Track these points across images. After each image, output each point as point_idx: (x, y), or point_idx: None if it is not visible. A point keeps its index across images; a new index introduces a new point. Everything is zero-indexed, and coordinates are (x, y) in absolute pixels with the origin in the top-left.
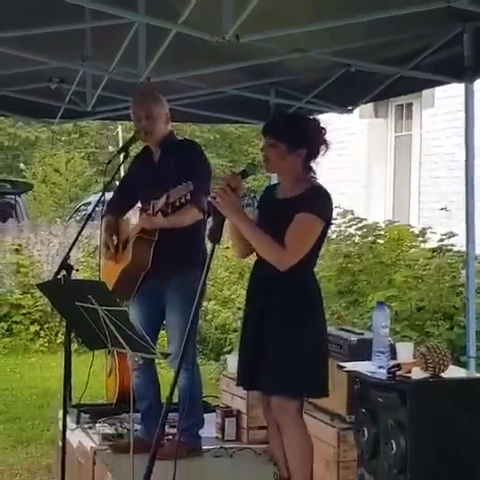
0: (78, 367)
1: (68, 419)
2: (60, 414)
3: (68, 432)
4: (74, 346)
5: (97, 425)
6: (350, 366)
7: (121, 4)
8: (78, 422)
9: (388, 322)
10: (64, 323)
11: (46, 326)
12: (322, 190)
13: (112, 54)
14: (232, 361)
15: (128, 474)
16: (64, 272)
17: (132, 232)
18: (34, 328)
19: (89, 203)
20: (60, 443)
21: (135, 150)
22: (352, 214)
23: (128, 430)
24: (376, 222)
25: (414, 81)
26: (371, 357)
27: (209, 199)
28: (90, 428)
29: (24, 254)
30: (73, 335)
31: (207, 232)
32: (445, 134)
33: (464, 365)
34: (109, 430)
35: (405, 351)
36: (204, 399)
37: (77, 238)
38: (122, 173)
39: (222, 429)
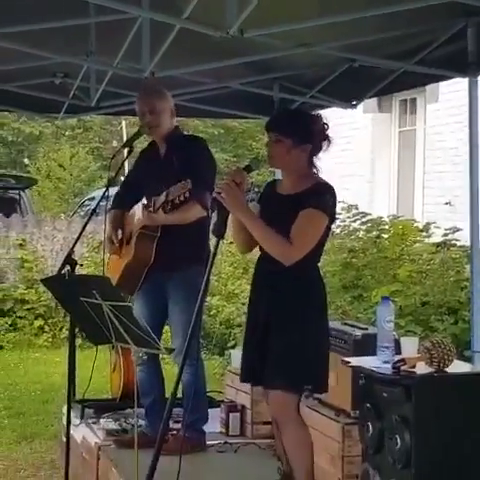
0: (82, 362)
1: (72, 414)
2: (64, 409)
3: (72, 427)
4: (78, 341)
5: (101, 420)
6: (355, 361)
7: None
8: (82, 417)
9: (392, 317)
10: (68, 318)
11: (50, 321)
12: (326, 186)
13: (116, 49)
14: (236, 356)
15: (132, 469)
16: (68, 267)
17: (135, 227)
18: (38, 323)
19: (93, 198)
20: (64, 438)
21: (139, 145)
22: (356, 209)
23: (132, 425)
24: (380, 217)
25: (418, 76)
26: (376, 352)
27: (214, 194)
28: (94, 423)
29: (28, 249)
30: (77, 330)
31: (211, 227)
32: (449, 129)
33: (469, 360)
34: (113, 425)
35: (410, 346)
36: (208, 394)
37: (81, 233)
38: (126, 168)
39: (226, 424)
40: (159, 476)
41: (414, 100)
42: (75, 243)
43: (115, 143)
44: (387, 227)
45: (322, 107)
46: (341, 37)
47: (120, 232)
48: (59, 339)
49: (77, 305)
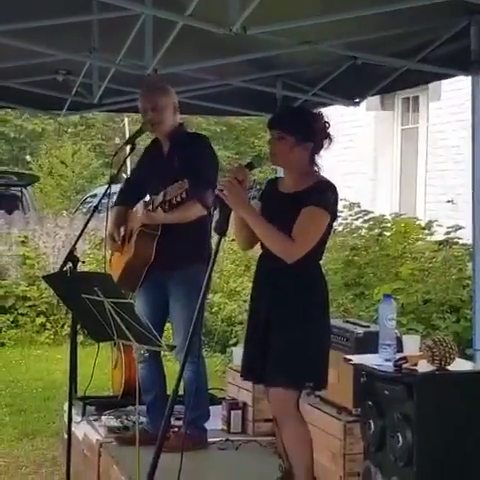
0: (84, 359)
1: (74, 411)
2: (66, 406)
3: (74, 424)
4: (80, 338)
5: (103, 417)
6: (356, 359)
7: None
8: (84, 414)
9: (394, 315)
10: (70, 315)
11: (52, 318)
12: (328, 184)
13: (119, 46)
14: (238, 354)
15: (134, 466)
16: (70, 264)
17: (136, 225)
18: (40, 320)
19: (95, 195)
20: (66, 435)
21: (142, 143)
22: (358, 207)
23: (134, 422)
24: (382, 215)
25: (421, 74)
26: (377, 350)
27: (216, 191)
28: (96, 420)
29: (30, 246)
30: (79, 327)
31: (213, 224)
32: (451, 127)
33: (470, 358)
34: (115, 422)
35: (411, 344)
36: (210, 392)
37: (83, 230)
38: (128, 165)
39: (228, 421)
40: (160, 473)
41: (417, 98)
42: (77, 240)
43: (117, 140)
44: (389, 225)
45: (325, 105)
46: (344, 35)
47: (122, 229)
48: (61, 336)
49: (79, 302)
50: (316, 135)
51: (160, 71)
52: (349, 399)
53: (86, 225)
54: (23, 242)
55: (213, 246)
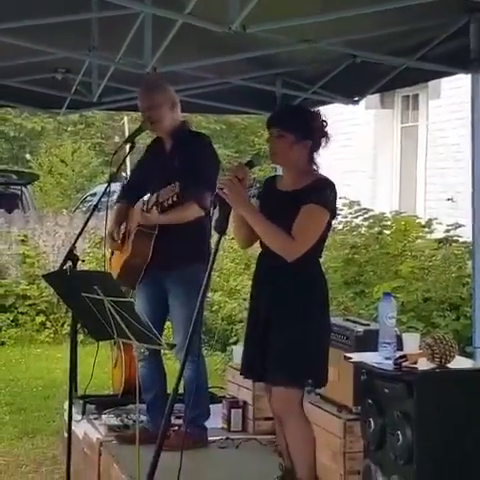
0: (84, 358)
1: (74, 410)
2: (66, 405)
3: (74, 423)
4: (80, 337)
5: (103, 416)
6: (356, 357)
7: None
8: (84, 413)
9: (394, 313)
10: (70, 314)
11: (52, 317)
12: (327, 181)
13: (118, 44)
14: (238, 352)
15: (134, 465)
16: (70, 263)
17: (134, 224)
18: (40, 319)
19: (95, 194)
20: (66, 434)
21: (141, 141)
22: (358, 205)
23: (134, 421)
24: (382, 213)
25: (420, 72)
26: (377, 348)
27: (216, 190)
28: (96, 419)
29: (30, 245)
30: (79, 326)
31: (213, 223)
32: (451, 125)
33: (470, 356)
34: (115, 421)
35: (411, 342)
36: (210, 390)
37: (83, 229)
38: (128, 164)
39: (228, 420)
40: (161, 472)
41: (416, 96)
42: (77, 239)
43: (117, 139)
44: (389, 223)
45: (324, 103)
46: (343, 33)
47: (123, 227)
48: (61, 335)
49: (79, 301)
50: (314, 133)
51: (159, 69)
52: (349, 397)
53: (86, 224)
54: (23, 241)
55: (213, 246)
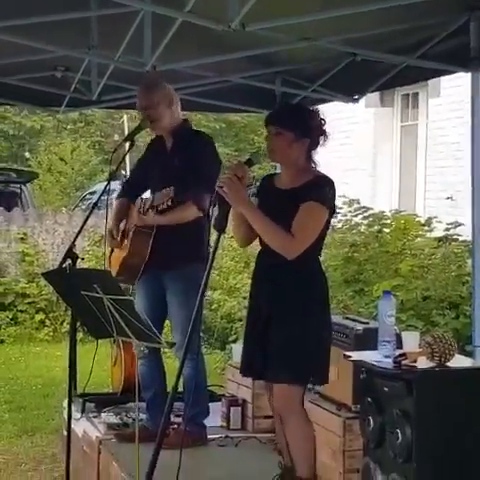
0: (83, 356)
1: (73, 408)
2: (65, 403)
3: (73, 421)
4: (79, 335)
5: (102, 414)
6: (356, 355)
7: None
8: (83, 411)
9: (394, 311)
10: (69, 312)
11: (51, 315)
12: (326, 179)
13: (118, 43)
14: (238, 350)
15: (133, 463)
16: (69, 261)
17: (132, 223)
18: (39, 317)
19: (94, 192)
20: (65, 432)
21: (141, 139)
22: (358, 203)
23: (133, 419)
24: (382, 211)
25: (420, 70)
26: (377, 346)
27: (216, 188)
28: (95, 417)
29: (29, 243)
30: (78, 324)
31: (212, 221)
32: (451, 123)
33: (470, 354)
34: (114, 419)
35: (411, 340)
36: (209, 388)
37: (82, 227)
38: (127, 162)
39: (227, 418)
40: (160, 470)
41: (416, 94)
42: (76, 237)
43: (116, 137)
44: (389, 221)
45: (324, 101)
46: (343, 31)
47: (123, 224)
48: (60, 333)
49: (78, 299)
50: (313, 132)
51: (159, 68)
52: (348, 396)
53: (85, 222)
54: (22, 239)
55: (212, 243)
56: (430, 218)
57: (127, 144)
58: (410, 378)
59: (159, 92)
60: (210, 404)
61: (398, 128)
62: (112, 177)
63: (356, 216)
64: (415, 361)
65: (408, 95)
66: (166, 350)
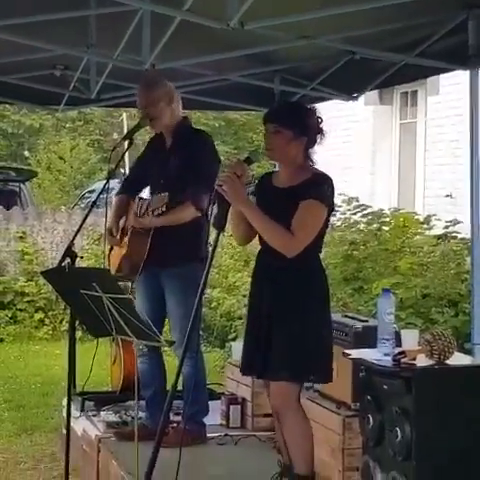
0: (82, 355)
1: (72, 407)
2: (64, 402)
3: (72, 420)
4: (78, 334)
5: (101, 413)
6: (355, 353)
7: None
8: (82, 410)
9: (393, 309)
10: (68, 311)
11: (50, 314)
12: (324, 177)
13: (117, 41)
14: (237, 348)
15: (133, 462)
16: (68, 260)
17: (129, 222)
18: (38, 316)
19: (94, 190)
20: (64, 431)
21: (140, 137)
22: (357, 201)
23: (132, 418)
24: (381, 209)
25: (419, 68)
26: (376, 344)
27: (215, 187)
28: (94, 416)
29: (28, 241)
30: (77, 323)
31: (212, 220)
32: (450, 121)
33: (469, 352)
34: (113, 418)
35: (410, 338)
36: (209, 387)
37: (81, 225)
38: (126, 160)
39: (227, 416)
40: (159, 468)
41: (415, 92)
42: (75, 235)
43: (115, 135)
44: (388, 219)
45: (323, 99)
46: (342, 29)
47: (122, 221)
48: (59, 332)
49: (77, 298)
50: (311, 130)
51: (158, 66)
52: (348, 394)
53: (84, 220)
54: (21, 238)
55: (212, 241)
56: (429, 216)
57: (126, 142)
58: (409, 376)
59: (159, 89)
60: (209, 402)
61: (397, 126)
62: (111, 175)
63: (355, 214)
64: (414, 359)
65: (407, 93)
66: (166, 348)
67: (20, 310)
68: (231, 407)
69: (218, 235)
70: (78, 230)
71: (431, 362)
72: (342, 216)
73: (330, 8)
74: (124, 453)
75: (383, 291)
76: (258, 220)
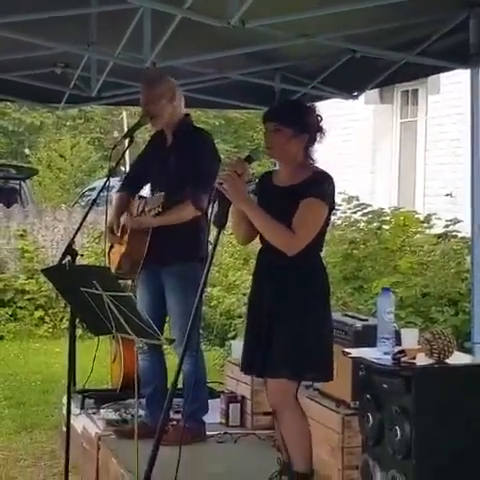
0: (83, 353)
1: (72, 404)
2: (64, 399)
3: (72, 417)
4: (79, 332)
5: (101, 410)
6: (355, 352)
7: None
8: (82, 407)
9: (393, 308)
10: (69, 309)
11: (51, 311)
12: (325, 175)
13: (117, 39)
14: (237, 347)
15: (132, 460)
16: (69, 257)
17: (128, 221)
18: (39, 313)
19: (94, 188)
20: (64, 428)
21: (140, 135)
22: (357, 200)
23: (132, 415)
24: (381, 208)
25: (420, 67)
26: (376, 343)
27: (216, 185)
28: (94, 413)
29: (29, 239)
30: (78, 321)
31: (212, 218)
32: (450, 120)
33: (469, 351)
34: (113, 415)
35: (410, 337)
36: (209, 385)
37: (82, 223)
38: (127, 158)
39: (226, 415)
40: (159, 466)
41: (416, 91)
42: (76, 233)
43: (116, 133)
44: (388, 218)
45: (323, 98)
46: (342, 28)
47: (123, 219)
48: (59, 329)
49: (77, 295)
50: (311, 128)
51: (158, 64)
52: (347, 392)
53: (85, 218)
54: (22, 235)
55: (212, 240)
56: (429, 215)
57: (126, 141)
58: (409, 375)
59: (162, 86)
60: (209, 400)
61: (398, 125)
62: (111, 173)
63: (355, 213)
64: (414, 358)
65: (407, 92)
66: (166, 346)
67: (20, 308)
68: (231, 405)
69: (218, 233)
70: (78, 228)
71: (431, 361)
72: (342, 215)
73: (330, 6)
74: (124, 451)
75: (383, 290)
76: (259, 218)
